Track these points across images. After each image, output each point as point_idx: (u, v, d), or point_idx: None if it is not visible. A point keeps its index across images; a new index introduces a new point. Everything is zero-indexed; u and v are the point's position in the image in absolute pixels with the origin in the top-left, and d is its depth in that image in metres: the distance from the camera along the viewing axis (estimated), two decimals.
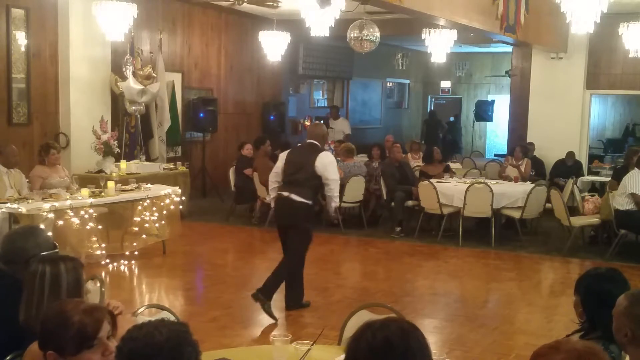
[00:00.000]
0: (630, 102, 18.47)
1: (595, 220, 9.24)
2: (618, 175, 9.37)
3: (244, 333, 5.88)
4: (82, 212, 7.34)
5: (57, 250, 3.43)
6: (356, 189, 10.22)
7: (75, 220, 7.26)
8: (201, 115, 12.33)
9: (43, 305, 2.83)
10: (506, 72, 17.38)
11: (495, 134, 20.79)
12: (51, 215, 6.94)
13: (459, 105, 21.15)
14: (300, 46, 15.08)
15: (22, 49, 9.39)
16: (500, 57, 19.43)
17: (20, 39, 9.35)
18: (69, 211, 7.18)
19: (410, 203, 10.17)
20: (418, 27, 10.86)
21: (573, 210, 9.60)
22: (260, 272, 8.26)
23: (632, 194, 8.35)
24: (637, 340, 2.65)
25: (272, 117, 14.38)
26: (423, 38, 10.72)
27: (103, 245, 7.77)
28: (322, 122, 9.80)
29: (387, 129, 18.93)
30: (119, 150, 9.69)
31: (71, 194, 7.51)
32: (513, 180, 10.70)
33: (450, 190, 9.62)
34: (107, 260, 7.82)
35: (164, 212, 8.33)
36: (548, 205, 9.67)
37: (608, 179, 10.71)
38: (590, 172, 12.93)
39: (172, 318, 3.21)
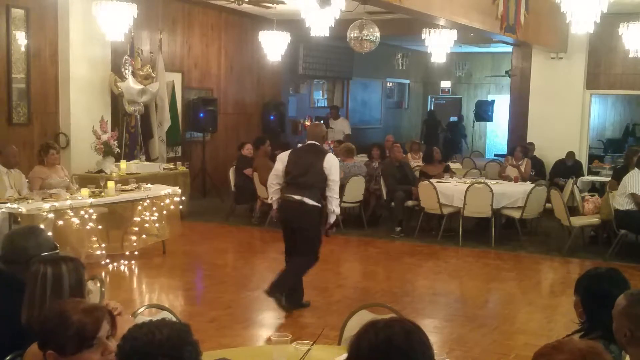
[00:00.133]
0: (630, 102, 18.47)
1: (595, 220, 9.24)
2: (618, 175, 9.37)
3: (244, 333, 5.88)
4: (82, 212, 7.34)
5: (57, 250, 3.43)
6: (356, 189, 10.21)
7: (75, 220, 7.26)
8: (201, 115, 12.33)
9: (45, 306, 2.83)
10: (506, 72, 17.40)
11: (495, 134, 20.79)
12: (51, 215, 6.94)
13: (459, 105, 21.15)
14: (300, 46, 15.08)
15: (22, 49, 9.39)
16: (500, 57, 19.43)
17: (20, 39, 9.34)
18: (69, 211, 7.18)
19: (410, 203, 10.17)
20: (418, 27, 10.86)
21: (573, 210, 9.60)
22: (260, 272, 8.29)
23: (632, 194, 8.35)
24: (637, 340, 2.65)
25: (272, 117, 14.38)
26: (423, 38, 10.72)
27: (103, 245, 7.77)
28: (322, 122, 9.80)
29: (387, 129, 18.93)
30: (119, 150, 9.69)
31: (71, 194, 7.51)
32: (513, 180, 10.70)
33: (450, 190, 9.62)
34: (107, 260, 7.82)
35: (164, 212, 8.33)
36: (548, 205, 9.67)
37: (608, 179, 10.70)
38: (590, 172, 12.93)
39: (173, 318, 3.21)
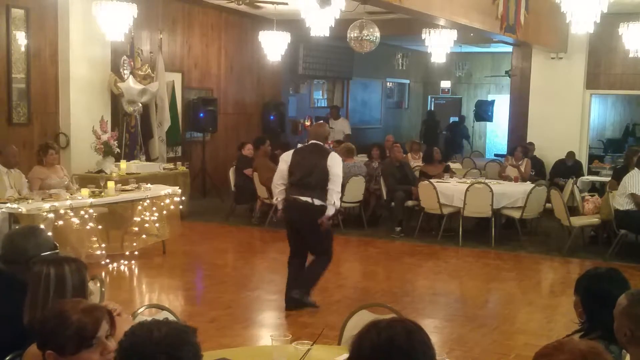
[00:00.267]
0: (630, 102, 18.47)
1: (595, 220, 9.24)
2: (618, 175, 9.37)
3: (244, 333, 5.88)
4: (82, 212, 7.34)
5: (57, 250, 3.43)
6: (356, 189, 10.21)
7: (75, 220, 7.26)
8: (201, 115, 12.33)
9: (48, 307, 2.82)
10: (506, 72, 17.40)
11: (495, 134, 20.79)
12: (51, 215, 6.93)
13: (459, 105, 21.15)
14: (300, 46, 15.08)
15: (22, 49, 9.39)
16: (500, 57, 19.42)
17: (20, 39, 9.34)
18: (69, 211, 7.17)
19: (410, 203, 10.17)
20: (418, 27, 10.85)
21: (573, 210, 9.60)
22: (260, 272, 8.30)
23: (632, 194, 8.35)
24: (637, 339, 2.65)
25: (272, 117, 14.38)
26: (423, 38, 10.72)
27: (103, 245, 7.77)
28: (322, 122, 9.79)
29: (387, 129, 18.93)
30: (119, 150, 9.69)
31: (71, 194, 7.51)
32: (513, 180, 10.70)
33: (450, 190, 9.62)
34: (107, 260, 7.82)
35: (164, 212, 8.33)
36: (548, 205, 9.67)
37: (608, 179, 10.71)
38: (590, 172, 12.93)
39: (173, 318, 3.21)
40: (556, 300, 7.23)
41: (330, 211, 6.30)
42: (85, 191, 7.58)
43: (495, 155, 17.54)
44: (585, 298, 3.11)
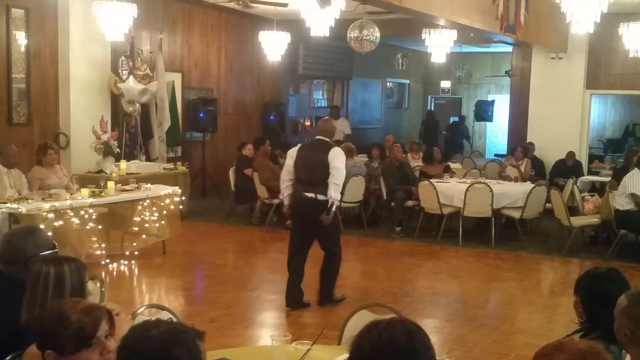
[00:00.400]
0: (630, 102, 18.47)
1: (595, 220, 9.24)
2: (618, 175, 9.37)
3: (244, 333, 5.88)
4: (82, 212, 7.34)
5: (56, 250, 3.43)
6: (356, 189, 10.21)
7: (75, 220, 7.26)
8: (201, 115, 12.33)
9: (46, 306, 2.83)
10: (506, 72, 17.40)
11: (495, 134, 20.79)
12: (51, 215, 6.93)
13: (459, 105, 21.15)
14: (300, 46, 15.07)
15: (22, 49, 9.39)
16: (500, 57, 19.42)
17: (20, 39, 9.34)
18: (69, 211, 7.17)
19: (410, 203, 10.17)
20: (418, 27, 10.85)
21: (573, 210, 9.60)
22: (260, 272, 8.30)
23: (632, 194, 8.35)
24: (637, 339, 2.65)
25: (272, 117, 14.38)
26: (423, 38, 10.71)
27: (103, 245, 7.77)
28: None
29: (387, 129, 18.93)
30: (119, 150, 9.69)
31: (71, 194, 7.51)
32: (513, 180, 10.70)
33: (450, 190, 9.62)
34: (107, 260, 7.82)
35: (164, 212, 8.32)
36: (548, 205, 9.67)
37: (608, 179, 10.70)
38: (590, 172, 12.93)
39: (173, 318, 3.21)
40: (556, 300, 7.22)
41: (331, 210, 6.24)
42: (85, 191, 7.58)
43: (495, 155, 17.53)
44: (585, 298, 3.11)
